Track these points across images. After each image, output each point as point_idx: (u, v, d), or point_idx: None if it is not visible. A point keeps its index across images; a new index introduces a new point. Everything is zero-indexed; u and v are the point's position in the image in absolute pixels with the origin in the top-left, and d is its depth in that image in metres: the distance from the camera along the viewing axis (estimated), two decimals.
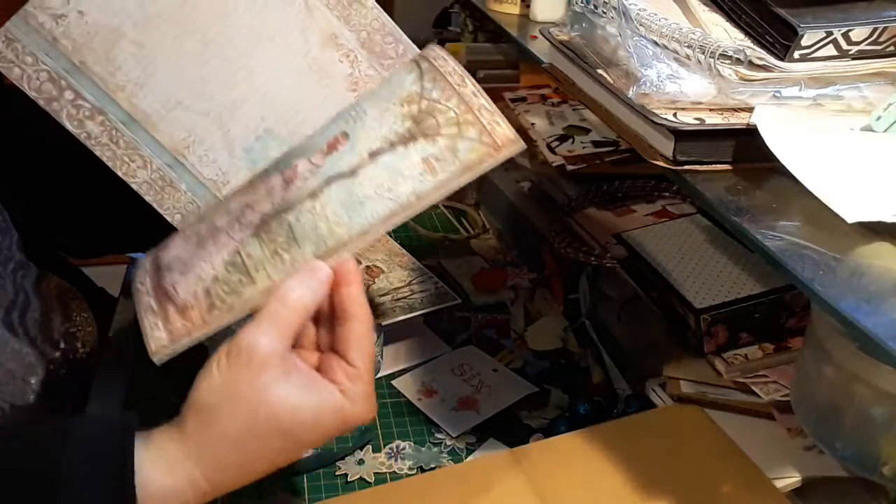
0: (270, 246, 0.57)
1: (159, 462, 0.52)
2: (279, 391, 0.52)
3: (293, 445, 0.54)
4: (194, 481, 0.53)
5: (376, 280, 1.03)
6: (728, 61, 0.62)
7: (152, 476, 0.52)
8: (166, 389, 0.90)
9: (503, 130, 0.54)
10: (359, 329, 0.55)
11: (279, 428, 0.53)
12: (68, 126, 0.65)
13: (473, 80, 0.56)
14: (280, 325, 0.53)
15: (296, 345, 0.57)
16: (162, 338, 0.57)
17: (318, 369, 0.56)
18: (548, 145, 1.11)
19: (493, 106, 0.55)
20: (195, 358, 0.59)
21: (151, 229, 0.74)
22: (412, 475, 0.82)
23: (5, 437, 0.55)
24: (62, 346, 0.82)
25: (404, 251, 1.10)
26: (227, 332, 0.55)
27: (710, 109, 0.62)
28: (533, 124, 1.15)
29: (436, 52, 0.58)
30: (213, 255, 0.58)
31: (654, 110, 0.62)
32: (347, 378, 0.54)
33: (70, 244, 0.93)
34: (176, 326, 0.57)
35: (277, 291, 0.54)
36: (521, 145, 0.55)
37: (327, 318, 0.57)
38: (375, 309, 0.97)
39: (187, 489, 0.53)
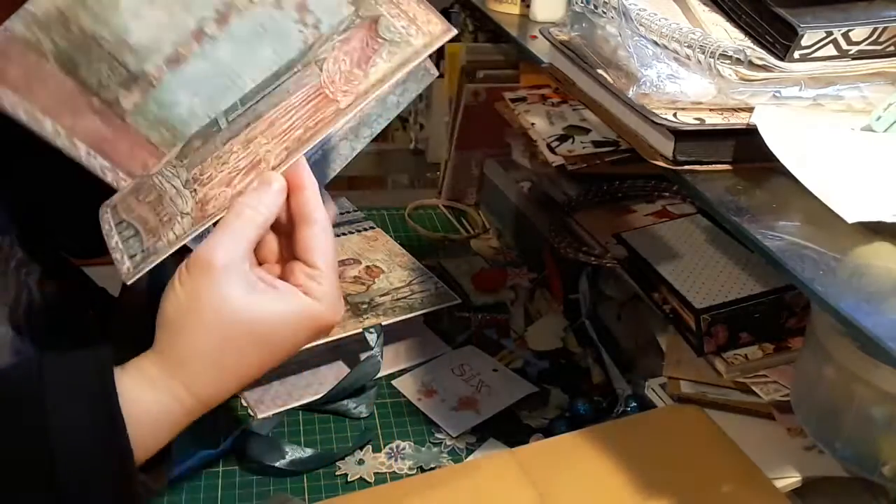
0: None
1: (140, 381, 0.52)
2: (242, 300, 0.53)
3: (269, 352, 0.55)
4: (177, 395, 0.53)
5: (376, 280, 1.03)
6: (728, 61, 0.62)
7: (135, 394, 0.52)
8: None
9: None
10: (317, 231, 0.56)
11: (250, 336, 0.53)
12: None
13: None
14: (236, 236, 0.54)
15: (260, 261, 0.57)
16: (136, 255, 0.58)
17: (282, 277, 0.56)
18: (548, 145, 1.11)
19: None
20: None
21: None
22: (412, 475, 0.82)
23: None
24: (63, 346, 0.81)
25: (404, 251, 1.10)
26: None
27: (710, 109, 0.62)
28: (533, 124, 1.14)
29: None
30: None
31: (654, 110, 0.62)
32: (310, 279, 0.55)
33: (70, 244, 0.93)
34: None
35: (232, 205, 0.55)
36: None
37: (287, 227, 0.58)
38: (375, 309, 0.97)
39: (172, 403, 0.53)
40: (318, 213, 0.56)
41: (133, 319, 0.95)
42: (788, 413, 0.75)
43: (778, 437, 0.77)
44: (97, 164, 0.65)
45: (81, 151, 0.65)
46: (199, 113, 0.61)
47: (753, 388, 0.79)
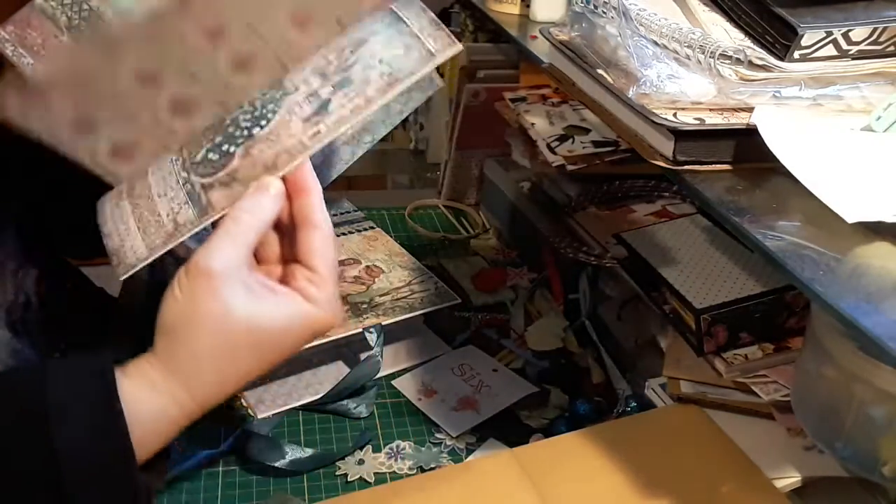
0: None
1: (141, 384, 0.53)
2: (241, 305, 0.53)
3: (267, 355, 0.55)
4: (177, 398, 0.53)
5: (376, 280, 1.03)
6: (728, 61, 0.62)
7: (136, 397, 0.52)
8: None
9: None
10: (319, 235, 0.56)
11: (248, 340, 0.54)
12: None
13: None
14: (233, 240, 0.54)
15: (259, 261, 0.58)
16: (139, 248, 0.58)
17: (282, 280, 0.56)
18: (548, 145, 1.11)
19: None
20: None
21: None
22: (412, 475, 0.82)
23: None
24: (62, 346, 0.81)
25: (404, 251, 1.10)
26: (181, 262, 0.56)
27: (710, 109, 0.62)
28: (533, 124, 1.14)
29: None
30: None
31: (654, 110, 0.62)
32: (310, 283, 0.55)
33: (69, 245, 0.93)
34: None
35: (230, 210, 0.55)
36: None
37: (289, 229, 0.58)
38: (375, 309, 0.97)
39: (172, 406, 0.53)
40: (320, 218, 0.56)
41: (132, 319, 0.95)
42: (788, 413, 0.75)
43: (778, 437, 0.77)
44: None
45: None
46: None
47: (753, 388, 0.79)
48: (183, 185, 0.59)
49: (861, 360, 0.62)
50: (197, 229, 0.57)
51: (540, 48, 0.86)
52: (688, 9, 0.69)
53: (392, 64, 0.57)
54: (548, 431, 0.86)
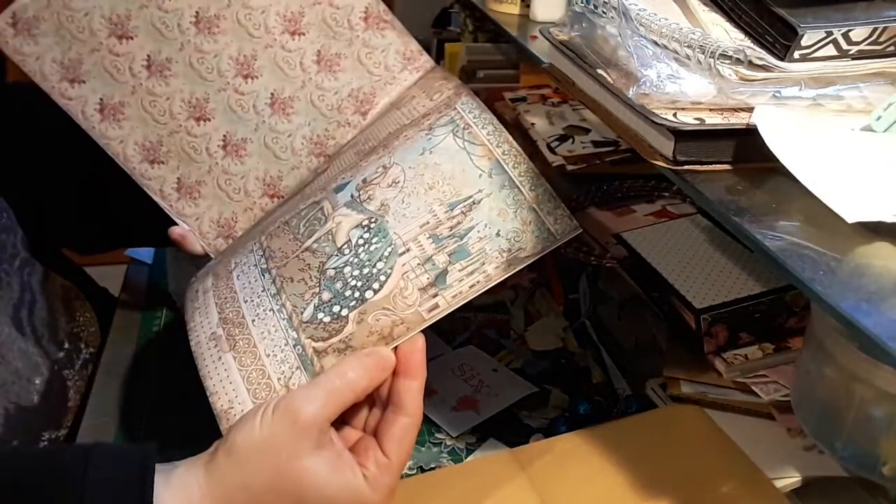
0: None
1: (178, 499, 0.53)
2: (308, 461, 0.53)
3: None
4: None
5: None
6: (728, 61, 0.62)
7: None
8: (165, 391, 0.90)
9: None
10: (405, 423, 0.56)
11: (297, 495, 0.53)
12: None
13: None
14: (331, 397, 0.54)
15: (345, 421, 0.58)
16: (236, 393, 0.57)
17: (353, 449, 0.56)
18: (548, 145, 1.11)
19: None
20: (192, 362, 0.59)
21: (152, 225, 0.74)
22: (412, 475, 0.82)
23: (21, 468, 0.55)
24: (66, 346, 0.81)
25: None
26: (190, 274, 0.55)
27: (710, 109, 0.62)
28: (533, 124, 1.14)
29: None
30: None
31: (654, 110, 0.62)
32: (377, 466, 0.55)
33: (72, 239, 0.93)
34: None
35: (338, 365, 0.55)
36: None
37: (381, 401, 0.58)
38: None
39: None
40: (414, 407, 0.57)
41: (132, 320, 0.95)
42: (788, 413, 0.75)
43: (778, 437, 0.77)
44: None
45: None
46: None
47: (753, 388, 0.79)
48: (294, 346, 0.57)
49: (861, 360, 0.62)
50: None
51: (540, 48, 0.86)
52: (688, 9, 0.69)
53: (511, 240, 0.56)
54: (548, 431, 0.86)
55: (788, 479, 0.73)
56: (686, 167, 0.62)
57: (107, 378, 0.88)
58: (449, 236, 0.56)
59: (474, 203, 0.56)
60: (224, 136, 0.66)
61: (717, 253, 0.90)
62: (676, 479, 0.72)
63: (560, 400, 0.92)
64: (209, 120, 0.66)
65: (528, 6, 1.00)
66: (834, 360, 0.65)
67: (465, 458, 0.84)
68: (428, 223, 0.57)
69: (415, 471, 0.83)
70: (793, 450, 0.75)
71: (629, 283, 0.94)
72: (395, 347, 0.57)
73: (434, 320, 0.56)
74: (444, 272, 0.55)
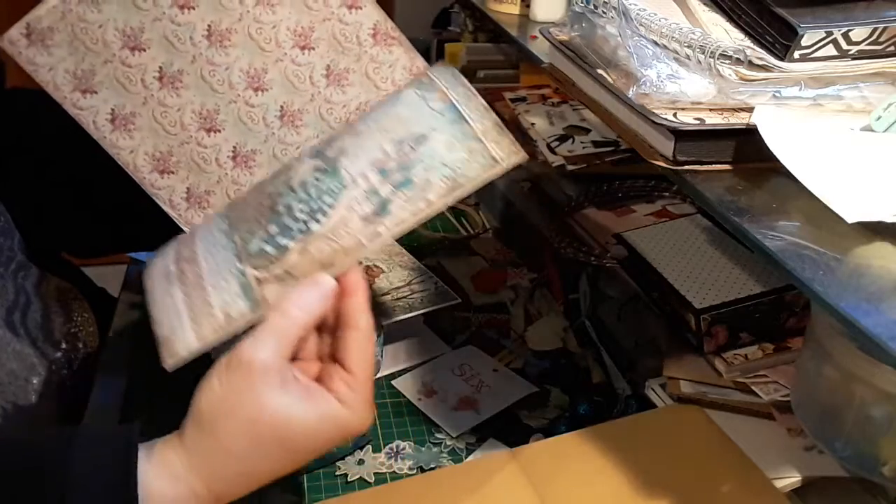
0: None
1: (163, 474, 0.53)
2: (277, 402, 0.53)
3: (293, 455, 0.55)
4: (196, 492, 0.53)
5: (376, 280, 1.03)
6: (728, 61, 0.62)
7: (156, 488, 0.52)
8: (163, 389, 0.90)
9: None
10: (360, 338, 0.56)
11: (278, 438, 0.53)
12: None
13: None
14: (279, 337, 0.54)
15: (297, 356, 0.57)
16: (189, 339, 0.57)
17: (318, 379, 0.56)
18: (548, 145, 1.11)
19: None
20: (192, 362, 0.59)
21: (152, 229, 0.74)
22: (412, 475, 0.82)
23: (7, 453, 0.55)
24: (63, 346, 0.82)
25: (404, 251, 1.10)
26: (234, 340, 0.56)
27: (710, 109, 0.62)
28: (533, 124, 1.14)
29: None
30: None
31: (654, 110, 0.62)
32: (346, 386, 0.55)
33: (71, 244, 0.93)
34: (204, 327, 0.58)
35: (279, 304, 0.55)
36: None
37: (330, 326, 0.58)
38: (375, 308, 0.97)
39: (190, 499, 0.53)
40: (362, 321, 0.56)
41: (132, 320, 0.95)
42: (788, 413, 0.75)
43: (778, 437, 0.77)
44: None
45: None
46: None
47: (753, 388, 0.79)
48: (237, 276, 0.58)
49: (861, 360, 0.62)
50: (249, 324, 0.56)
51: (540, 48, 0.86)
52: (688, 9, 0.69)
53: (455, 169, 0.56)
54: (548, 431, 0.86)
55: (788, 479, 0.73)
56: (686, 167, 0.62)
57: (106, 378, 0.88)
58: (396, 169, 0.57)
59: (424, 138, 0.58)
60: (234, 147, 0.67)
61: (717, 253, 0.90)
62: (676, 479, 0.72)
63: (560, 400, 0.92)
64: (220, 131, 0.66)
65: (528, 6, 1.00)
66: (834, 360, 0.65)
67: (465, 458, 0.84)
68: (378, 159, 0.58)
69: (415, 471, 0.83)
70: (793, 450, 0.75)
71: (629, 283, 0.94)
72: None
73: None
74: (388, 202, 0.57)
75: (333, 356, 0.57)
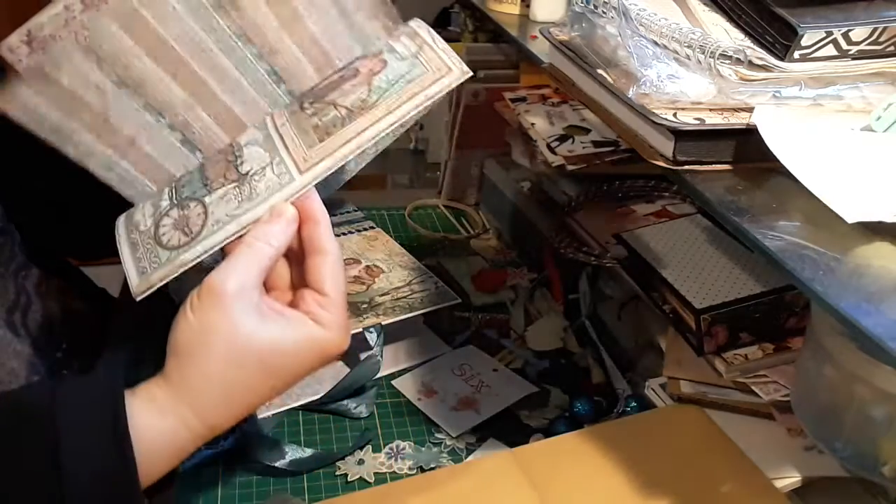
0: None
1: (149, 407, 0.53)
2: (252, 326, 0.53)
3: (276, 378, 0.55)
4: (185, 420, 0.53)
5: (376, 280, 1.03)
6: (728, 61, 0.62)
7: (144, 420, 0.52)
8: None
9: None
10: (329, 261, 0.56)
11: (258, 362, 0.54)
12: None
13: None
14: (248, 265, 0.54)
15: (270, 287, 0.58)
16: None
17: (292, 304, 0.57)
18: (548, 145, 1.11)
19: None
20: None
21: None
22: (412, 475, 0.82)
23: None
24: (64, 346, 0.82)
25: (404, 251, 1.10)
26: (196, 281, 0.56)
27: (710, 109, 0.62)
28: (533, 124, 1.14)
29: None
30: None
31: (654, 110, 0.62)
32: (319, 306, 0.55)
33: (71, 246, 0.93)
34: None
35: (246, 237, 0.56)
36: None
37: (298, 255, 0.58)
38: (375, 308, 0.97)
39: (180, 429, 0.53)
40: (330, 245, 0.57)
41: (133, 319, 0.95)
42: (788, 413, 0.75)
43: (778, 437, 0.77)
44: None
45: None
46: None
47: (753, 388, 0.79)
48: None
49: (861, 360, 0.62)
50: (210, 252, 0.57)
51: (540, 48, 0.86)
52: (688, 9, 0.69)
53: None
54: (548, 431, 0.86)
55: (788, 479, 0.73)
56: (686, 167, 0.62)
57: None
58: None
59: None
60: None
61: (717, 253, 0.90)
62: (676, 479, 0.72)
63: (560, 400, 0.92)
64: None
65: (528, 6, 1.00)
66: (834, 360, 0.65)
67: (465, 458, 0.84)
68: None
69: (415, 471, 0.83)
70: (793, 450, 0.75)
71: (629, 283, 0.94)
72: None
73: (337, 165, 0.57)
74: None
75: (305, 283, 0.57)
